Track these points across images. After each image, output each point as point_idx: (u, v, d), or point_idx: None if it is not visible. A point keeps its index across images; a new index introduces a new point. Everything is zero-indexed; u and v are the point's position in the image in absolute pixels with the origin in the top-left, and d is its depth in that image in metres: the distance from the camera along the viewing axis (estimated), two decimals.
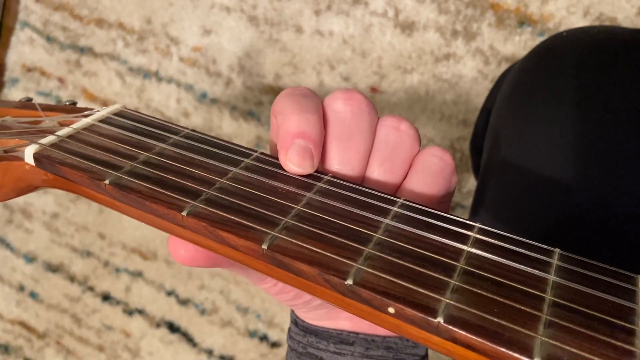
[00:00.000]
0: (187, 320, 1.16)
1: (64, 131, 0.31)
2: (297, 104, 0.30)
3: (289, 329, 0.40)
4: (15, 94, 1.18)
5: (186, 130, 0.32)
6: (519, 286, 0.22)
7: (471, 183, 0.98)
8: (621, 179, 0.44)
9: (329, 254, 0.24)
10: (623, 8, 0.88)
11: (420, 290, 0.22)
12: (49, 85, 1.16)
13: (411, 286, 0.22)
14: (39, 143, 0.30)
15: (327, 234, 0.25)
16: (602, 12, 0.88)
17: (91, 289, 1.20)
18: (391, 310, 0.22)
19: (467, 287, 0.22)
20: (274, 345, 1.11)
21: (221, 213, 0.26)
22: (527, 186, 0.48)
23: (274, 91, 1.04)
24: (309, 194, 0.27)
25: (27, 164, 0.30)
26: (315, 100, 0.31)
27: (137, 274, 1.17)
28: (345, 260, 0.23)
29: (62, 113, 0.35)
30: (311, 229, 0.25)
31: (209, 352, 1.15)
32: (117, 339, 1.20)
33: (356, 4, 0.98)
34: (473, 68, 0.95)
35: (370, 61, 0.99)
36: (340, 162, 0.31)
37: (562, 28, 0.90)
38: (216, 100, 1.08)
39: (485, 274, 0.23)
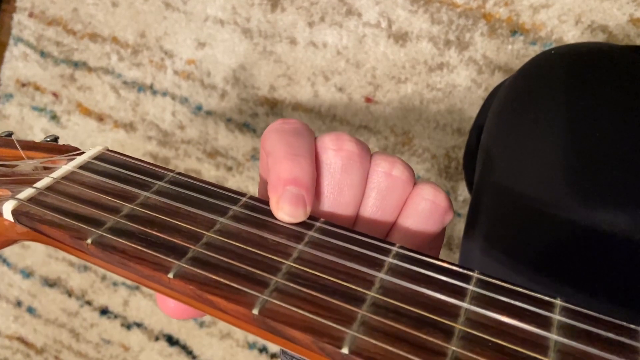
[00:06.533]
0: (185, 333, 1.15)
1: (43, 182, 0.30)
2: (289, 146, 0.29)
3: None
4: (9, 109, 1.18)
5: (171, 175, 0.30)
6: (520, 349, 0.22)
7: (467, 191, 0.98)
8: (612, 197, 0.44)
9: (322, 320, 0.23)
10: (614, 16, 0.88)
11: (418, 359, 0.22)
12: (44, 100, 1.16)
13: (409, 355, 0.21)
14: (16, 199, 0.28)
15: (320, 295, 0.24)
16: (593, 20, 0.88)
17: (89, 303, 1.20)
18: None
19: (466, 352, 0.22)
20: (274, 356, 1.11)
21: (209, 274, 0.24)
22: (519, 206, 0.48)
23: (269, 102, 1.04)
24: (299, 246, 0.26)
25: (6, 220, 0.28)
26: (308, 139, 0.30)
27: (135, 288, 1.17)
28: (339, 327, 0.22)
29: (42, 153, 0.34)
30: (303, 289, 0.24)
31: None
32: (116, 353, 1.20)
33: (349, 15, 0.98)
34: (467, 77, 0.95)
35: (365, 71, 0.99)
36: (331, 216, 0.30)
37: (554, 37, 0.90)
38: (211, 113, 1.07)
39: (484, 336, 0.22)
